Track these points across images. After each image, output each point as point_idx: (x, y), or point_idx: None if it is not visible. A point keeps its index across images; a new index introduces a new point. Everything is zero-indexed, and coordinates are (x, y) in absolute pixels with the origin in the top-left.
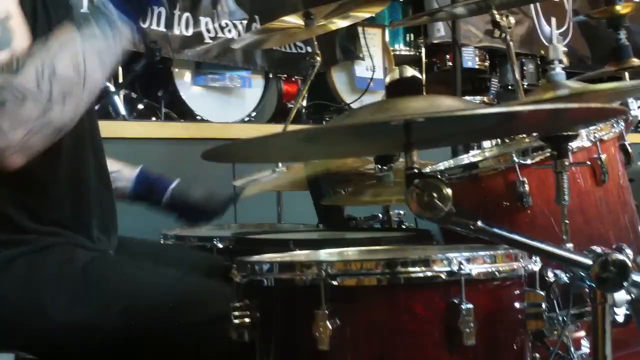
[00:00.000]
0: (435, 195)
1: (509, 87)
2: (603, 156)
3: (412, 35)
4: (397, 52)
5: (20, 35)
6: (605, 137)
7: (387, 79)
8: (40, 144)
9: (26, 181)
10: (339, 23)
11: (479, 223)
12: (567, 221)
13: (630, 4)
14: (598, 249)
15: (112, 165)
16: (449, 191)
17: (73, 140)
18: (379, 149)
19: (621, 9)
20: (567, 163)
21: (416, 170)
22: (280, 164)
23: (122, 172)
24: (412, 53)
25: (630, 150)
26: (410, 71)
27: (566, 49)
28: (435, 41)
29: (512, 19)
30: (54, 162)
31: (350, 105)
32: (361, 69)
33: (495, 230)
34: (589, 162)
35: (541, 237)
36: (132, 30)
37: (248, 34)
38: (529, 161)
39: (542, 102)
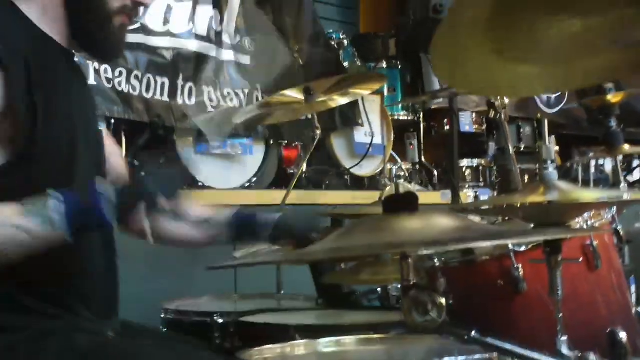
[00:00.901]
0: (430, 306)
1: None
2: (595, 242)
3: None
4: (396, 117)
5: None
6: (597, 224)
7: (383, 195)
8: None
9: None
10: (339, 100)
11: (473, 333)
12: (560, 315)
13: (620, 93)
14: (591, 356)
15: (200, 211)
16: (443, 301)
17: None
18: None
19: (612, 98)
20: (560, 259)
21: (411, 282)
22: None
23: (213, 219)
24: (410, 118)
25: (622, 233)
26: (405, 187)
27: (557, 148)
28: (433, 107)
29: (505, 99)
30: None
31: (350, 170)
32: (360, 135)
33: (489, 340)
34: (580, 259)
35: (536, 323)
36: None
37: (250, 108)
38: (523, 248)
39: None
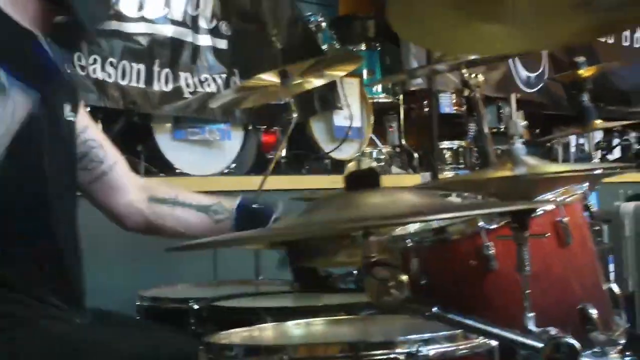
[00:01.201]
0: (391, 283)
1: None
2: (566, 219)
3: (390, 84)
4: (376, 100)
5: None
6: (569, 200)
7: (345, 172)
8: None
9: None
10: (315, 82)
11: (434, 309)
12: (528, 291)
13: (592, 67)
14: (553, 331)
15: (209, 198)
16: (404, 278)
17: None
18: None
19: (584, 72)
20: (526, 235)
21: (373, 259)
22: None
23: (222, 204)
24: (389, 100)
25: (592, 209)
26: (367, 164)
27: (526, 122)
28: (412, 88)
29: (480, 77)
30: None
31: (329, 154)
32: (339, 118)
33: (450, 316)
34: (548, 234)
35: (507, 301)
36: (30, 98)
37: (226, 92)
38: (494, 226)
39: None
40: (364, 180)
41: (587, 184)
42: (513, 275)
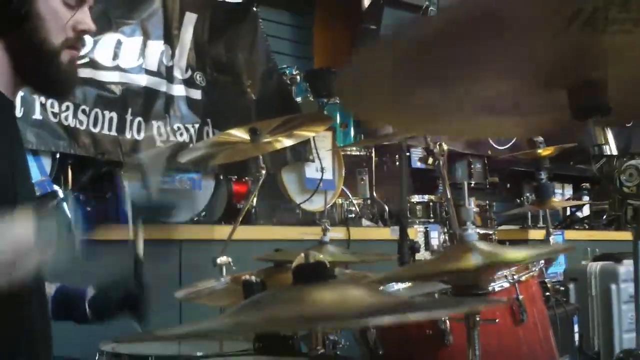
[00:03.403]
0: None
1: (457, 185)
2: (521, 296)
3: (362, 137)
4: (348, 152)
5: None
6: (524, 278)
7: (294, 264)
8: None
9: None
10: (285, 142)
11: None
12: None
13: (551, 148)
14: None
15: None
16: None
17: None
18: None
19: (542, 152)
20: (477, 319)
21: (319, 352)
22: (224, 274)
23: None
24: (361, 153)
25: (548, 286)
26: (315, 256)
27: (477, 209)
28: (384, 142)
29: (444, 146)
30: None
31: (300, 205)
32: (311, 170)
33: None
34: (497, 320)
35: None
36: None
37: (196, 145)
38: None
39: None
40: (313, 273)
41: (543, 262)
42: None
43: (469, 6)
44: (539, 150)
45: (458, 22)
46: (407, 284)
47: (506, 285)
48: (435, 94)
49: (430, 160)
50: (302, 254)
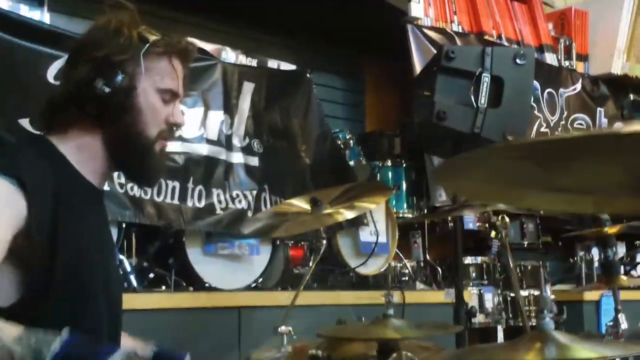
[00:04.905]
0: None
1: (512, 247)
2: None
3: (414, 199)
4: (401, 215)
5: None
6: None
7: None
8: None
9: None
10: (346, 214)
11: None
12: None
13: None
14: None
15: (125, 340)
16: None
17: None
18: None
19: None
20: None
21: None
22: (284, 342)
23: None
24: (414, 215)
25: None
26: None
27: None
28: (436, 204)
29: (507, 220)
30: None
31: (355, 269)
32: (365, 234)
33: None
34: None
35: None
36: None
37: (258, 216)
38: None
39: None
40: None
41: None
42: None
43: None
44: (605, 229)
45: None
46: None
47: None
48: (535, 173)
49: (493, 234)
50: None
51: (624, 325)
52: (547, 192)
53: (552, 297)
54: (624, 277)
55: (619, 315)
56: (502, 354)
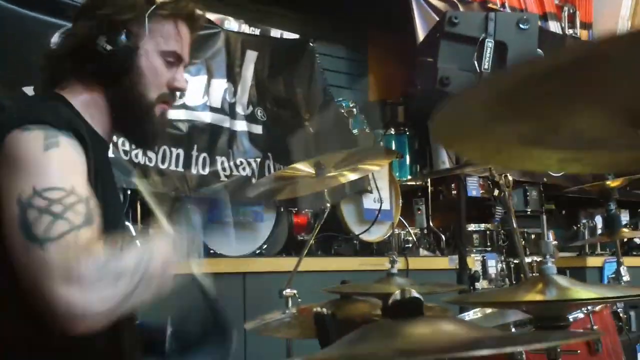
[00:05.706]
0: None
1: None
2: (595, 327)
3: (417, 167)
4: (404, 183)
5: (97, 216)
6: (597, 308)
7: (390, 300)
8: (108, 320)
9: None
10: (349, 176)
11: None
12: None
13: (619, 179)
14: None
15: None
16: None
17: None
18: None
19: (611, 183)
20: (559, 351)
21: None
22: (289, 306)
23: None
24: (418, 183)
25: (622, 316)
26: (411, 293)
27: (556, 242)
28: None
29: (510, 178)
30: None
31: (359, 235)
32: (369, 201)
33: None
34: (579, 351)
35: None
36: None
37: (262, 181)
38: None
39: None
40: (408, 309)
41: None
42: None
43: (577, 49)
44: (608, 182)
45: (564, 63)
46: (478, 314)
47: (581, 315)
48: (527, 128)
49: (496, 192)
50: (398, 291)
51: (625, 277)
52: (547, 150)
53: (554, 242)
54: (625, 230)
55: (621, 268)
56: (504, 295)
